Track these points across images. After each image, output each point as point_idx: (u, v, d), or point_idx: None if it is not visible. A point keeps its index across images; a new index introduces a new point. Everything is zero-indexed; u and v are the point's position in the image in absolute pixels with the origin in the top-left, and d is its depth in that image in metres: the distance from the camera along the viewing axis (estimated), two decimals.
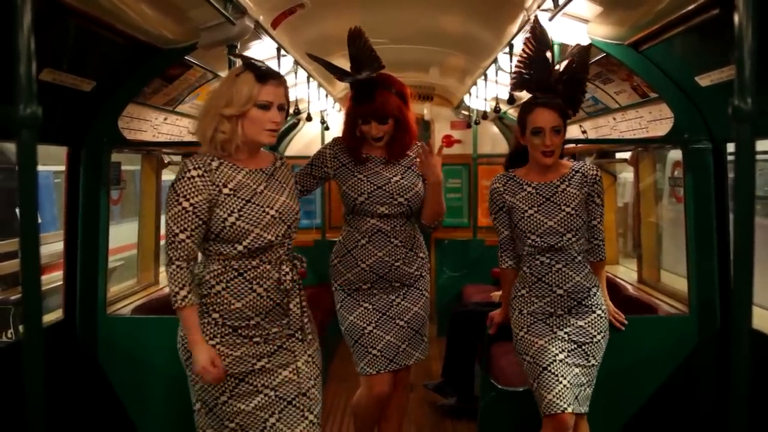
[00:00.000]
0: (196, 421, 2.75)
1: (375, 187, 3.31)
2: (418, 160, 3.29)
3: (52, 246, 5.12)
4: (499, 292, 5.60)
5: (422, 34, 5.05)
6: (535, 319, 3.15)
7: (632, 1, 3.26)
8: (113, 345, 3.80)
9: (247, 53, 4.16)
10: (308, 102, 5.92)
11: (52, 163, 7.32)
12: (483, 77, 5.61)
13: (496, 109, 5.52)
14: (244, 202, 2.58)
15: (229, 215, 2.54)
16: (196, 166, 2.55)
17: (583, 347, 3.11)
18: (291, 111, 5.62)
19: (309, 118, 5.97)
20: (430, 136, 8.10)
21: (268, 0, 3.60)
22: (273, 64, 4.33)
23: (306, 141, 7.72)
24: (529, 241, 3.11)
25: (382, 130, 3.27)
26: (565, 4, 3.08)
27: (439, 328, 6.97)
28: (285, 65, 4.50)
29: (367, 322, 3.36)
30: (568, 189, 3.14)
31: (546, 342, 3.10)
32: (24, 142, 1.55)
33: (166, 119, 4.39)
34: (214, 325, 2.62)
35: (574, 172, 3.17)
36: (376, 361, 3.34)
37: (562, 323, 3.13)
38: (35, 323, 1.62)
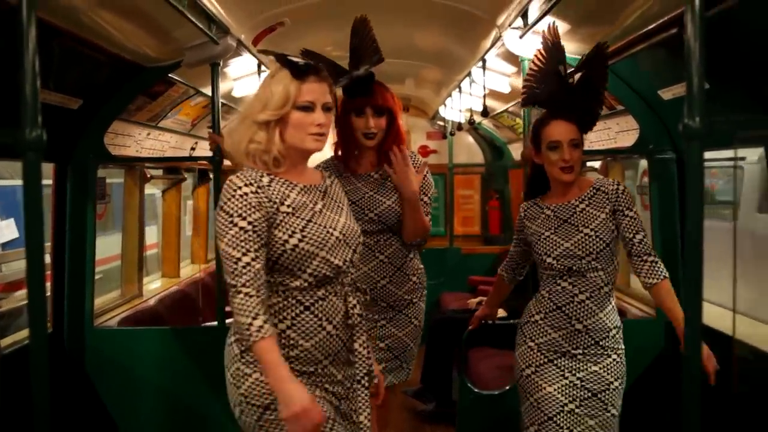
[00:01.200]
0: None
1: (350, 202, 3.03)
2: (392, 168, 3.08)
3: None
4: (476, 299, 5.76)
5: (399, 48, 5.17)
6: (546, 359, 2.85)
7: (598, 20, 3.41)
8: (100, 356, 3.89)
9: (227, 70, 4.29)
10: None
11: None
12: (458, 90, 5.77)
13: (471, 121, 5.67)
14: (305, 221, 2.21)
15: (290, 237, 2.16)
16: (247, 182, 2.16)
17: (599, 396, 2.79)
18: None
19: None
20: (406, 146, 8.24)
21: (250, 19, 3.71)
22: (254, 79, 4.49)
23: None
24: (546, 264, 2.84)
25: (377, 125, 3.09)
26: (535, 23, 3.22)
27: None
28: None
29: None
30: (587, 209, 2.86)
31: (555, 390, 2.80)
32: (30, 163, 1.69)
33: (149, 134, 4.48)
34: None
35: (594, 191, 2.88)
36: None
37: (575, 367, 2.81)
38: (40, 335, 1.72)
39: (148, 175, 5.19)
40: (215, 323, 3.98)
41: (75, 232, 3.86)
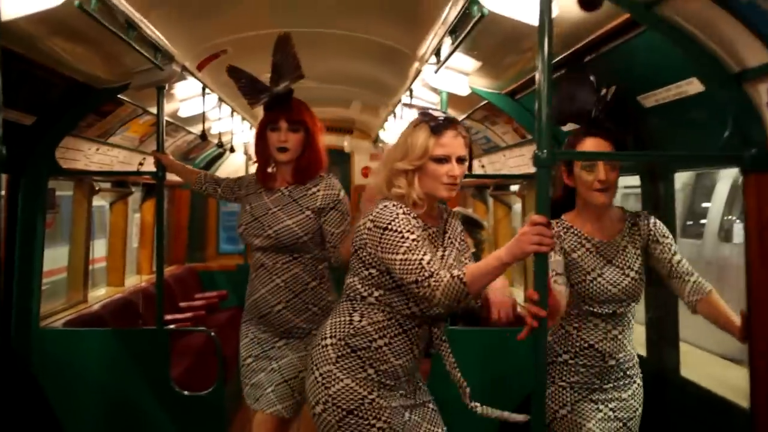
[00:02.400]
0: None
1: (253, 218, 3.20)
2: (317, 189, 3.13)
3: None
4: None
5: (339, 74, 5.53)
6: (580, 397, 2.73)
7: (506, 57, 3.79)
8: (45, 355, 4.13)
9: (174, 92, 4.62)
10: (232, 134, 6.36)
11: None
12: (393, 115, 6.18)
13: None
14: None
15: None
16: (403, 210, 2.39)
17: (628, 425, 2.75)
18: (215, 143, 6.09)
19: (232, 150, 6.43)
20: (350, 167, 8.64)
21: (194, 48, 4.04)
22: (198, 101, 4.82)
23: (231, 170, 8.09)
24: (587, 307, 2.68)
25: (291, 139, 3.15)
26: (446, 59, 3.59)
27: None
28: (209, 102, 4.95)
29: (248, 353, 3.27)
30: (628, 247, 2.72)
31: (593, 425, 2.69)
32: None
33: (98, 150, 4.76)
34: (370, 380, 2.43)
35: (630, 226, 2.75)
36: (250, 393, 3.25)
37: (606, 398, 2.73)
38: None
39: (96, 188, 5.46)
40: (154, 327, 4.25)
41: (25, 238, 4.09)
